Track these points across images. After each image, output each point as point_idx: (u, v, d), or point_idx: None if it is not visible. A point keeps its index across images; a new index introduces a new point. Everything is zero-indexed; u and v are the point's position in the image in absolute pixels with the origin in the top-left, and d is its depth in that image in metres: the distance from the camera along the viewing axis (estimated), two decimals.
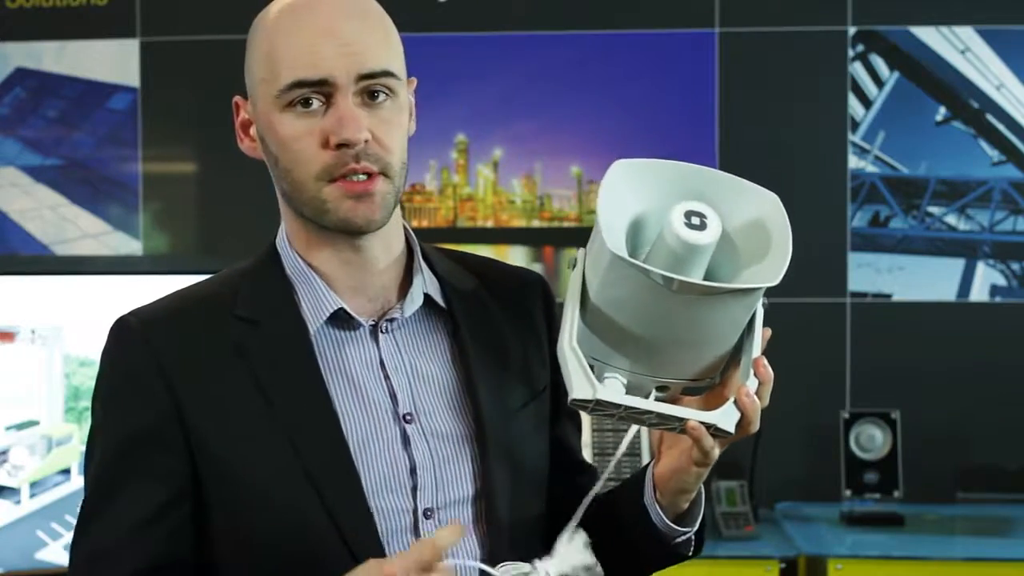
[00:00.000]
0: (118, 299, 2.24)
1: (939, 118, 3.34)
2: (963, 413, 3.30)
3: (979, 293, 3.33)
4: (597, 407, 1.18)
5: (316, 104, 1.21)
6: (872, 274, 3.34)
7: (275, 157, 1.26)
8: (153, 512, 1.21)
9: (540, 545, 1.32)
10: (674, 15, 3.36)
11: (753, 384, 1.19)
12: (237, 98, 1.32)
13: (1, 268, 2.29)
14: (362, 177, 1.22)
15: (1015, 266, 3.32)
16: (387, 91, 1.23)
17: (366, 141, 1.21)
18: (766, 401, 1.21)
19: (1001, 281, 3.32)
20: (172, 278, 1.32)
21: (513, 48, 3.35)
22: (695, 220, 1.15)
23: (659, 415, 1.19)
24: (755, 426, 1.20)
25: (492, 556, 1.25)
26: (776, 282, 1.15)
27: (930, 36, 3.33)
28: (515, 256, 3.40)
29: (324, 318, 1.26)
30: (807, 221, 3.29)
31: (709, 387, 1.24)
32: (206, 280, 1.33)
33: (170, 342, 1.24)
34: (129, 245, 3.44)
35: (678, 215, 1.16)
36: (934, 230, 3.34)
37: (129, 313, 1.27)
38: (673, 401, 1.23)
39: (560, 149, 3.39)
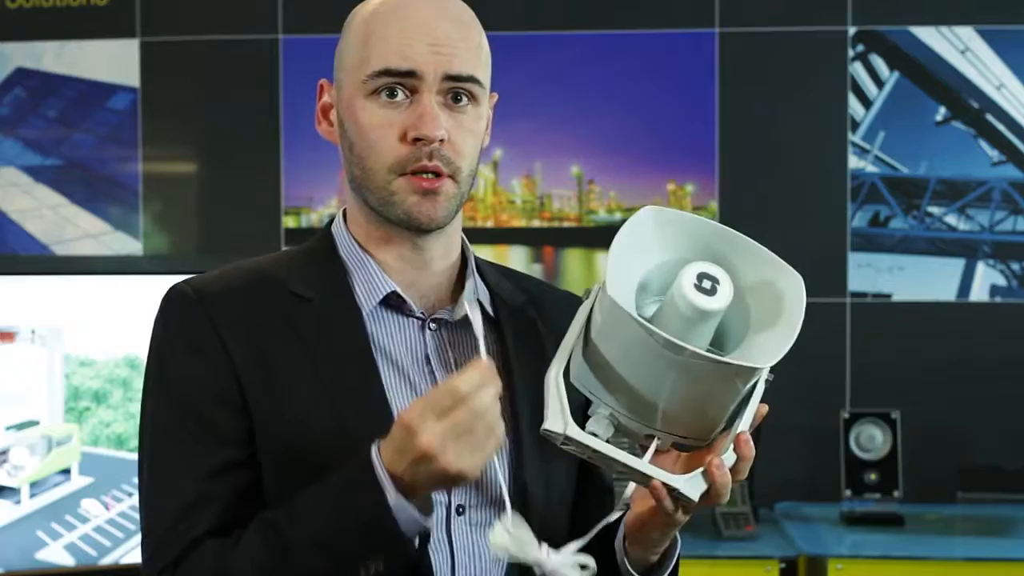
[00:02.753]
0: (118, 299, 2.25)
1: (939, 118, 3.34)
2: (963, 413, 3.30)
3: (979, 293, 3.33)
4: (567, 442, 1.17)
5: (400, 96, 1.24)
6: (872, 274, 3.34)
7: (351, 142, 1.28)
8: (227, 468, 1.22)
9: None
10: (674, 15, 3.36)
11: (730, 459, 1.16)
12: (322, 81, 1.34)
13: (1, 268, 2.29)
14: (431, 176, 1.24)
15: (1015, 266, 3.32)
16: (469, 96, 1.26)
17: (441, 141, 1.23)
18: (743, 476, 1.19)
19: (1001, 281, 3.32)
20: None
21: (513, 48, 3.35)
22: (706, 284, 1.13)
23: (625, 465, 1.17)
24: (723, 499, 1.18)
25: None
26: (768, 365, 1.12)
27: (930, 36, 3.33)
28: (515, 256, 3.40)
29: (377, 300, 1.28)
30: (807, 221, 3.33)
31: (697, 447, 1.21)
32: (255, 258, 1.34)
33: (224, 309, 1.25)
34: (129, 245, 3.44)
35: (690, 276, 1.13)
36: (934, 230, 3.34)
37: (181, 282, 1.29)
38: (657, 453, 1.21)
39: (560, 149, 3.39)
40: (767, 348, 1.14)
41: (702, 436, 1.19)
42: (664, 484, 1.16)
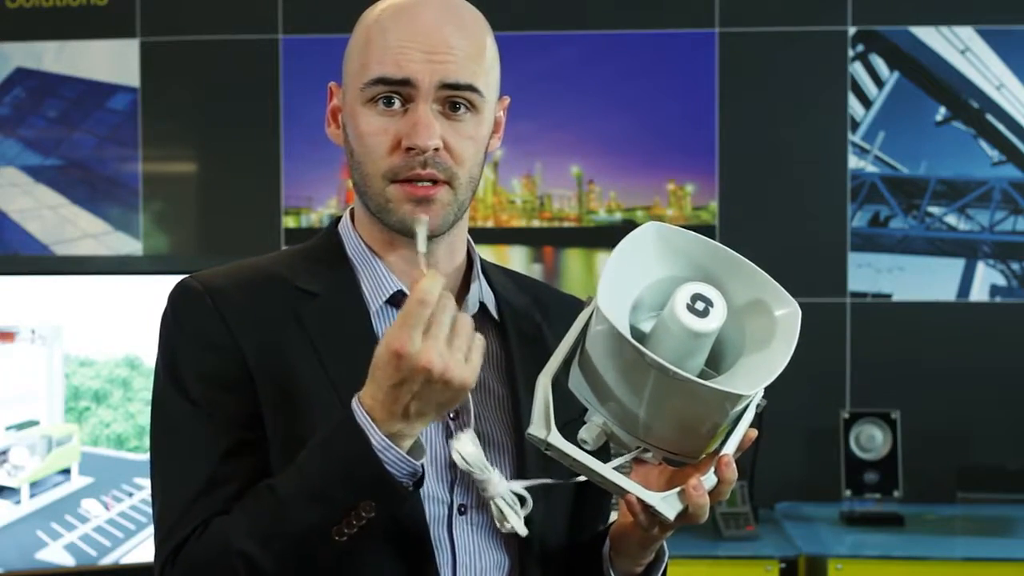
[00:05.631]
0: (118, 299, 2.26)
1: (939, 118, 3.34)
2: (963, 413, 3.30)
3: (979, 293, 3.33)
4: (549, 448, 1.18)
5: (397, 104, 1.24)
6: (872, 274, 3.34)
7: (351, 148, 1.28)
8: (239, 449, 1.22)
9: (568, 554, 1.32)
10: (674, 15, 3.37)
11: (710, 481, 1.15)
12: (331, 84, 1.34)
13: (1, 268, 2.29)
14: (427, 183, 1.24)
15: (1015, 266, 3.32)
16: (468, 105, 1.25)
17: (436, 149, 1.23)
18: (724, 498, 1.18)
19: (1001, 281, 3.32)
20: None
21: (513, 48, 3.35)
22: (699, 305, 1.12)
23: (603, 477, 1.17)
24: (700, 520, 1.17)
25: (522, 562, 1.26)
26: (749, 392, 1.11)
27: (930, 36, 3.33)
28: (515, 256, 3.40)
29: (384, 298, 1.29)
30: (807, 221, 3.33)
31: (688, 464, 1.19)
32: (261, 256, 1.35)
33: (231, 301, 1.26)
34: (129, 245, 3.44)
35: (683, 296, 1.12)
36: (934, 230, 3.34)
37: (188, 277, 1.29)
38: (643, 464, 1.21)
39: (560, 149, 3.39)
40: (753, 374, 1.13)
41: (692, 454, 1.18)
42: (640, 500, 1.16)
